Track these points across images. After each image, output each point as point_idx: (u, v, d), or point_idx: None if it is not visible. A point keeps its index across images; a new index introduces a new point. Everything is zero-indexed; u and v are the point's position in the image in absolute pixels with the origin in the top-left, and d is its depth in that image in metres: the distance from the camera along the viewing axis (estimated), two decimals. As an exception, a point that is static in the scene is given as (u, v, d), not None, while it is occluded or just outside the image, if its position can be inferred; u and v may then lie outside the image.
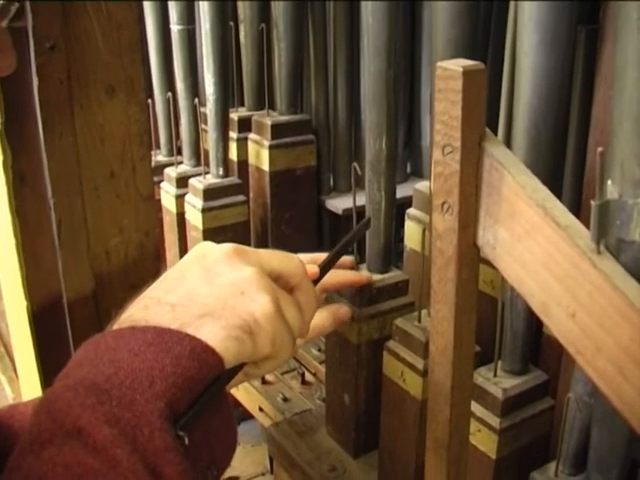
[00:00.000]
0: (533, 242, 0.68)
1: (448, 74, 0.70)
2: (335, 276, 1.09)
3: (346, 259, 1.11)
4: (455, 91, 0.70)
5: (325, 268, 0.91)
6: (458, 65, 0.69)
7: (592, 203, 0.63)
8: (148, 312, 0.72)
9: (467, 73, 0.69)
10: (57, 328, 1.20)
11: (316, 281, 0.89)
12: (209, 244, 0.80)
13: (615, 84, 0.63)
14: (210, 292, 0.73)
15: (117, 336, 0.69)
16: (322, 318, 1.03)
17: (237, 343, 0.70)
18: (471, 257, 0.77)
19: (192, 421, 0.67)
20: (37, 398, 0.94)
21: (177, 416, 0.65)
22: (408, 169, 1.77)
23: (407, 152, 1.74)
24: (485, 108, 0.72)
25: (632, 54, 0.60)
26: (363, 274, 1.15)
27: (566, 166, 1.04)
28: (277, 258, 0.81)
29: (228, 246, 0.78)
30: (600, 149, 0.60)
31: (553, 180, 0.89)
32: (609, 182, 0.66)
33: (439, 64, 0.71)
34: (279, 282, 0.79)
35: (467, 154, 0.72)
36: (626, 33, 0.60)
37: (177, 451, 0.63)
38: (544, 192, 0.69)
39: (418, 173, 1.74)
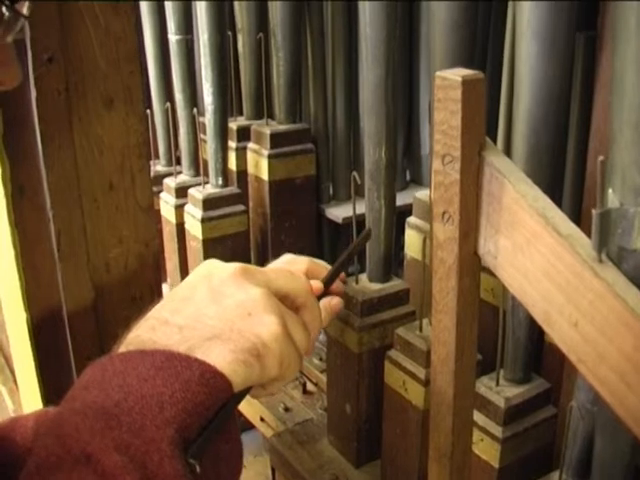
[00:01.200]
0: (534, 251, 0.68)
1: (447, 84, 0.70)
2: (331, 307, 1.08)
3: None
4: (454, 101, 0.69)
5: (329, 282, 0.90)
6: (457, 75, 0.69)
7: (593, 212, 0.62)
8: (155, 333, 0.71)
9: (466, 82, 0.69)
10: (57, 340, 1.19)
11: (321, 296, 0.89)
12: (216, 262, 0.79)
13: (614, 91, 0.63)
14: (217, 314, 0.72)
15: (125, 359, 0.68)
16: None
17: (245, 367, 0.70)
18: (472, 266, 0.77)
19: (202, 448, 0.66)
20: (38, 411, 0.94)
21: (187, 442, 0.65)
22: (407, 177, 1.77)
23: (406, 160, 1.74)
24: (485, 117, 0.72)
25: (631, 61, 0.60)
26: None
27: (566, 173, 1.04)
28: (283, 277, 0.80)
29: (235, 266, 0.77)
30: (601, 158, 0.60)
31: (553, 188, 0.89)
32: (610, 190, 0.65)
33: (438, 74, 0.71)
34: (285, 301, 0.79)
35: (467, 163, 0.72)
36: (625, 40, 0.60)
37: (187, 478, 0.63)
38: (545, 201, 0.69)
39: (417, 181, 1.74)
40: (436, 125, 0.72)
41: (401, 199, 1.38)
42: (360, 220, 1.19)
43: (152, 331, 0.72)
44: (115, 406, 0.63)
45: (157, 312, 0.75)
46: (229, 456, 0.72)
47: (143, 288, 1.24)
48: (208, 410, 0.66)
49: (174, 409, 0.64)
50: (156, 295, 1.25)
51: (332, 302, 1.05)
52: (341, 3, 1.57)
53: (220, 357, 0.68)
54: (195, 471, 0.64)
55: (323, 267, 0.95)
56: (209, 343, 0.69)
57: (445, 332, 0.80)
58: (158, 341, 0.70)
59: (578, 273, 0.64)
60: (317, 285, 0.86)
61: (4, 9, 0.78)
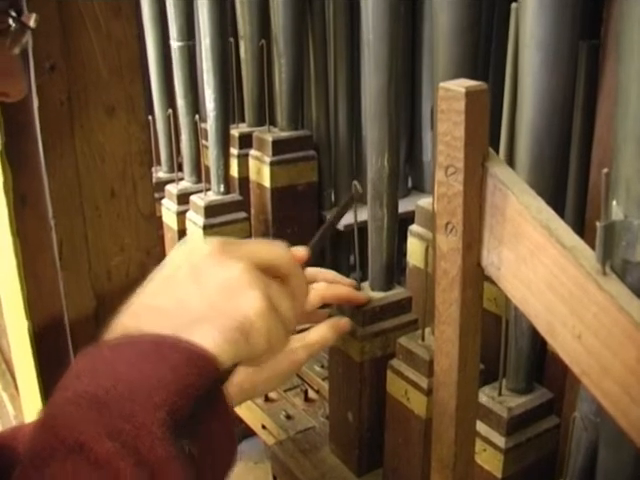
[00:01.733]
0: (538, 263, 0.68)
1: (450, 95, 0.70)
2: (335, 289, 1.09)
3: (348, 282, 1.12)
4: (458, 112, 0.69)
5: (315, 247, 0.90)
6: (460, 86, 0.69)
7: (597, 224, 0.62)
8: (140, 319, 0.71)
9: (470, 94, 0.68)
10: (58, 348, 1.19)
11: (307, 263, 0.89)
12: (195, 240, 0.79)
13: (618, 103, 0.63)
14: (200, 294, 0.72)
15: (114, 347, 0.69)
16: (323, 331, 1.04)
17: (232, 344, 0.70)
18: (475, 278, 0.77)
19: (194, 428, 0.66)
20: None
21: (179, 424, 0.65)
22: (409, 184, 1.77)
23: (408, 167, 1.74)
24: (488, 128, 0.72)
25: (635, 74, 0.59)
26: (361, 294, 1.15)
27: (569, 184, 1.04)
28: (264, 249, 0.80)
29: (214, 242, 0.76)
30: (605, 170, 0.60)
31: (556, 199, 0.89)
32: (614, 202, 0.65)
33: (441, 85, 0.70)
34: (268, 272, 0.78)
35: (470, 175, 0.71)
36: (630, 53, 0.60)
37: (180, 460, 0.63)
38: (548, 212, 0.68)
39: (419, 188, 1.74)
40: (439, 136, 0.72)
41: (403, 206, 1.38)
42: (361, 227, 1.19)
43: (136, 317, 0.72)
44: (106, 394, 0.63)
45: (140, 297, 0.74)
46: (221, 435, 0.72)
47: (145, 296, 1.23)
48: (198, 391, 0.66)
49: (163, 393, 0.64)
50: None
51: (341, 322, 1.07)
52: (343, 10, 1.57)
53: (206, 337, 0.68)
54: (187, 452, 0.65)
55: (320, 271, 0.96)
56: (194, 325, 0.69)
57: (448, 343, 0.80)
58: (143, 327, 0.70)
59: (582, 285, 0.64)
60: (301, 252, 0.86)
61: (10, 21, 0.78)
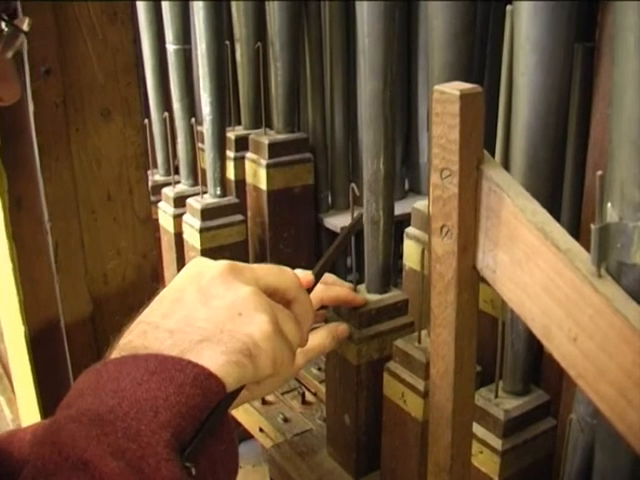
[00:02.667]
0: (533, 266, 0.68)
1: (445, 97, 0.70)
2: (334, 291, 1.10)
3: (346, 285, 1.13)
4: (453, 115, 0.69)
5: (319, 273, 0.90)
6: (455, 88, 0.69)
7: (592, 227, 0.62)
8: (147, 338, 0.71)
9: (464, 96, 0.69)
10: (55, 351, 1.19)
11: (312, 288, 0.89)
12: (204, 261, 0.79)
13: (613, 105, 0.63)
14: (207, 316, 0.72)
15: (119, 365, 0.69)
16: (322, 337, 1.05)
17: (238, 367, 0.70)
18: (471, 280, 0.77)
19: (198, 450, 0.66)
20: (36, 424, 0.94)
21: (183, 445, 0.65)
22: (406, 186, 1.77)
23: (405, 169, 1.74)
24: (483, 131, 0.72)
25: (630, 77, 0.59)
26: (359, 296, 1.15)
27: (564, 186, 1.04)
28: (272, 273, 0.80)
29: (223, 264, 0.77)
30: (600, 172, 0.60)
31: (552, 201, 0.89)
32: (609, 205, 0.65)
33: (436, 87, 0.71)
34: (275, 297, 0.79)
35: (465, 177, 0.71)
36: (625, 56, 0.60)
37: None
38: (543, 215, 0.68)
39: (416, 190, 1.74)
40: (434, 139, 0.72)
41: (400, 208, 1.38)
42: (358, 230, 1.19)
43: (143, 336, 0.72)
44: (110, 412, 0.64)
45: (147, 316, 0.75)
46: (224, 457, 0.73)
47: (141, 299, 1.22)
48: (202, 412, 0.67)
49: (169, 413, 0.64)
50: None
51: (339, 328, 1.07)
52: (339, 13, 1.57)
53: (212, 359, 0.69)
54: (191, 473, 0.65)
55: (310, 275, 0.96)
56: (200, 346, 0.70)
57: (444, 346, 0.80)
58: (150, 346, 0.70)
59: (577, 288, 0.64)
60: (307, 278, 0.87)
61: (3, 25, 0.78)
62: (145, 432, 0.63)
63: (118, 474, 0.60)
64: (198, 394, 0.66)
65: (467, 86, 0.70)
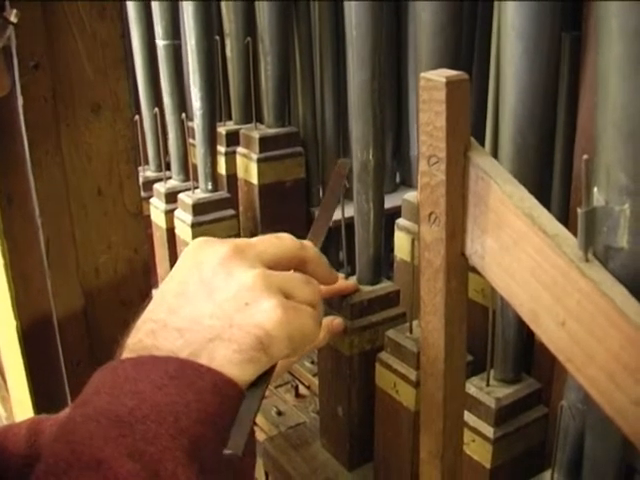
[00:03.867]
0: (521, 251, 0.68)
1: (432, 85, 0.70)
2: (327, 287, 1.10)
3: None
4: (439, 102, 0.70)
5: (317, 234, 0.88)
6: (441, 76, 0.69)
7: (579, 211, 0.63)
8: (157, 338, 0.70)
9: (450, 83, 0.69)
10: (47, 346, 1.19)
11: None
12: (204, 247, 0.77)
13: (598, 91, 0.63)
14: (214, 311, 0.70)
15: (137, 365, 0.67)
16: (319, 338, 1.04)
17: (253, 364, 0.68)
18: (460, 267, 0.77)
19: (240, 440, 0.66)
20: (31, 419, 0.94)
21: (200, 452, 0.64)
22: (397, 179, 1.77)
23: (396, 162, 1.74)
24: (469, 118, 0.72)
25: (614, 61, 0.60)
26: (350, 282, 1.15)
27: (554, 174, 1.04)
28: (272, 245, 0.77)
29: (222, 250, 0.74)
30: (585, 156, 0.60)
31: (540, 188, 0.89)
32: (595, 189, 0.66)
33: (422, 75, 0.71)
34: (281, 266, 0.78)
35: (453, 164, 0.72)
36: (608, 41, 0.60)
37: None
38: (531, 201, 0.69)
39: (407, 183, 1.75)
40: (421, 126, 0.73)
41: (391, 201, 1.39)
42: (349, 223, 1.19)
43: (153, 335, 0.71)
44: (129, 413, 0.63)
45: (153, 312, 0.73)
46: (244, 470, 0.72)
47: (133, 293, 1.24)
48: (222, 419, 0.66)
49: (189, 420, 0.64)
50: (146, 300, 1.24)
51: (334, 322, 1.07)
52: (328, 6, 1.57)
53: (226, 359, 0.67)
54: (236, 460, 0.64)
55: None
56: (212, 345, 0.68)
57: (434, 333, 0.80)
58: (161, 346, 0.69)
59: (565, 273, 0.64)
60: (307, 243, 0.84)
61: None
62: (164, 436, 0.62)
63: (133, 475, 0.59)
64: (217, 401, 0.65)
65: (453, 73, 0.70)
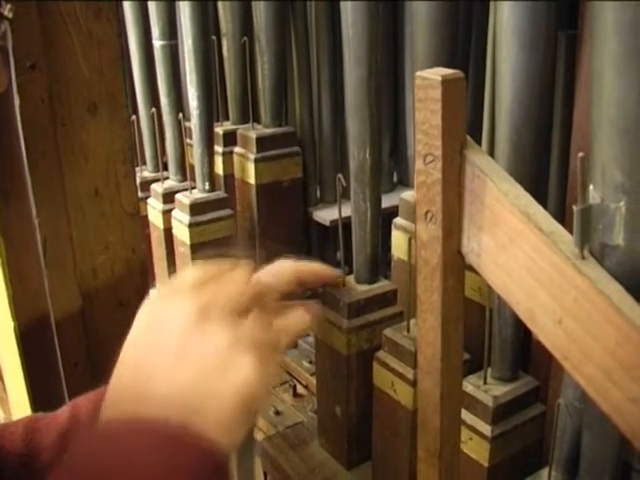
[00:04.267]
0: (517, 249, 0.68)
1: (427, 83, 0.70)
2: (306, 265, 1.09)
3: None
4: (435, 100, 0.70)
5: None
6: (437, 74, 0.69)
7: (574, 208, 0.63)
8: (140, 408, 0.68)
9: (446, 82, 0.69)
10: (45, 347, 1.19)
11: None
12: (164, 308, 0.71)
13: (593, 88, 0.63)
14: (193, 379, 0.67)
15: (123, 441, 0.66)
16: (299, 313, 1.04)
17: (242, 424, 0.67)
18: (456, 265, 0.77)
19: None
20: (27, 417, 0.95)
21: None
22: (395, 178, 1.77)
23: (393, 161, 1.74)
24: (465, 116, 0.72)
25: (609, 58, 0.60)
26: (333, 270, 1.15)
27: (551, 171, 1.04)
28: (231, 293, 0.74)
29: (187, 312, 0.69)
30: (581, 154, 0.60)
31: (537, 185, 0.89)
32: (591, 187, 0.66)
33: (418, 74, 0.71)
34: (244, 308, 0.76)
35: (448, 163, 0.72)
36: (602, 37, 0.60)
37: None
38: (526, 198, 0.69)
39: (405, 182, 1.75)
40: (417, 125, 0.73)
41: (389, 201, 1.38)
42: (346, 222, 1.19)
43: (136, 405, 0.68)
44: None
45: (131, 379, 0.68)
46: None
47: (130, 293, 1.24)
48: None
49: None
50: (143, 300, 1.24)
51: (312, 305, 1.06)
52: (325, 5, 1.57)
53: (218, 432, 0.65)
54: None
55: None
56: (199, 419, 0.65)
57: (431, 332, 0.80)
58: (153, 416, 0.67)
59: (561, 270, 0.64)
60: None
61: None
62: None
63: None
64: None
65: (449, 71, 0.70)
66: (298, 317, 1.00)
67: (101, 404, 0.84)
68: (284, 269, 0.92)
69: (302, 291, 0.99)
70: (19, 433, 0.91)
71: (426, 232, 0.76)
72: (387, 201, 1.38)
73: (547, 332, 0.67)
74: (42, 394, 1.20)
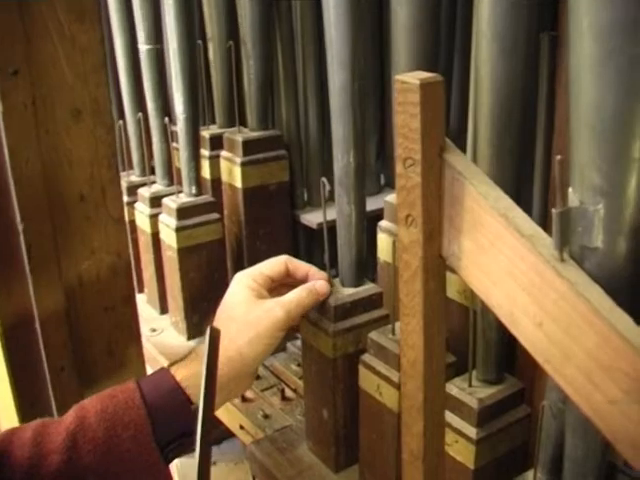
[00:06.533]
0: (497, 252, 0.69)
1: (406, 87, 0.70)
2: (301, 263, 1.14)
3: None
4: (414, 104, 0.70)
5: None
6: (415, 78, 0.69)
7: (553, 211, 0.63)
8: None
9: (425, 85, 0.69)
10: (31, 353, 1.19)
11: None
12: None
13: (571, 91, 0.63)
14: None
15: None
16: (298, 291, 1.10)
17: None
18: (437, 269, 0.77)
19: None
20: (36, 422, 0.97)
21: None
22: (382, 181, 1.77)
23: (380, 164, 1.74)
24: (444, 119, 0.72)
25: (585, 61, 0.60)
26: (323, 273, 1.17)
27: (535, 175, 1.04)
28: None
29: None
30: (558, 157, 0.60)
31: (519, 189, 0.89)
32: (570, 189, 0.66)
33: (397, 77, 0.71)
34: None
35: (428, 166, 0.72)
36: (579, 40, 0.60)
37: None
38: (506, 201, 0.69)
39: (392, 185, 1.74)
40: (397, 128, 0.73)
41: (375, 203, 1.39)
42: (333, 226, 1.19)
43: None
44: None
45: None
46: None
47: (116, 298, 1.23)
48: None
49: None
50: (129, 305, 1.24)
51: (316, 284, 1.11)
52: (310, 9, 1.57)
53: None
54: None
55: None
56: None
57: (413, 335, 0.80)
58: None
59: (541, 273, 0.64)
60: None
61: None
62: None
63: None
64: None
65: (427, 75, 0.70)
66: (295, 294, 1.09)
67: (107, 404, 0.91)
68: (277, 259, 1.16)
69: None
70: (27, 438, 0.93)
71: (407, 235, 0.76)
72: (374, 204, 1.38)
73: (528, 335, 0.68)
74: (28, 400, 1.20)
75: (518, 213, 0.68)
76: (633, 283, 0.66)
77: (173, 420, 0.97)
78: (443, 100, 0.71)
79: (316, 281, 1.13)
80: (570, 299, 0.62)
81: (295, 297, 1.09)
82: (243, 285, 1.11)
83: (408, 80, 0.70)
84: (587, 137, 0.62)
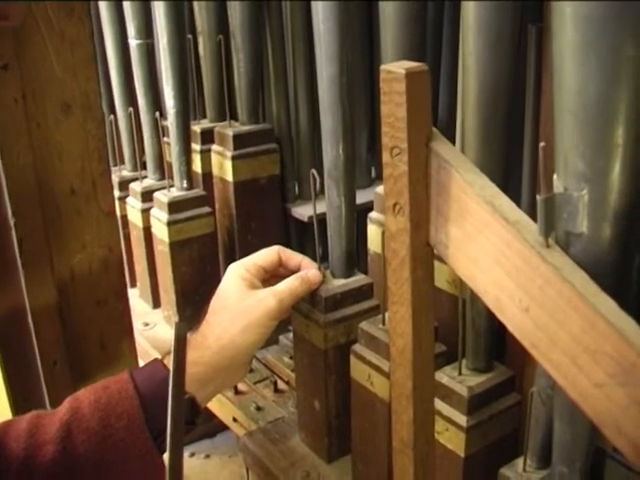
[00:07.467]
0: (484, 239, 0.69)
1: (392, 77, 0.71)
2: (293, 253, 1.15)
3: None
4: (399, 93, 0.70)
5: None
6: (401, 67, 0.70)
7: (538, 197, 0.63)
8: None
9: (410, 75, 0.70)
10: (23, 347, 1.19)
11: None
12: None
13: (554, 78, 0.64)
14: None
15: None
16: (291, 280, 1.10)
17: None
18: (425, 257, 0.78)
19: None
20: (31, 414, 0.98)
21: None
22: (373, 174, 1.77)
23: (371, 156, 1.74)
24: (430, 108, 0.73)
25: (567, 48, 0.60)
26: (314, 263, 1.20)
27: (524, 163, 1.05)
28: None
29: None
30: (542, 144, 0.61)
31: (507, 178, 0.90)
32: (555, 176, 0.66)
33: (383, 67, 0.72)
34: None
35: (415, 155, 0.72)
36: (561, 28, 0.61)
37: None
38: (492, 189, 0.70)
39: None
40: (383, 118, 0.73)
41: (366, 196, 1.39)
42: (322, 218, 1.20)
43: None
44: None
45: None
46: None
47: (108, 292, 1.24)
48: None
49: None
50: (121, 299, 1.25)
51: (309, 273, 1.12)
52: (300, 2, 1.57)
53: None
54: None
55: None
56: None
57: (402, 323, 0.81)
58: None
59: (526, 259, 0.65)
60: None
61: None
62: None
63: None
64: None
65: (413, 64, 0.71)
66: (287, 283, 1.11)
67: (101, 394, 0.93)
68: (270, 249, 1.19)
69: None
70: (22, 429, 0.94)
71: (394, 224, 0.77)
72: (365, 196, 1.39)
73: (515, 321, 0.68)
74: (22, 394, 1.21)
75: (504, 201, 0.68)
76: (617, 268, 0.67)
77: (166, 410, 0.98)
78: (429, 89, 0.72)
79: (308, 270, 1.14)
80: (555, 284, 0.62)
81: (287, 286, 1.11)
82: (236, 275, 1.12)
83: (394, 70, 0.70)
84: (570, 124, 0.63)
